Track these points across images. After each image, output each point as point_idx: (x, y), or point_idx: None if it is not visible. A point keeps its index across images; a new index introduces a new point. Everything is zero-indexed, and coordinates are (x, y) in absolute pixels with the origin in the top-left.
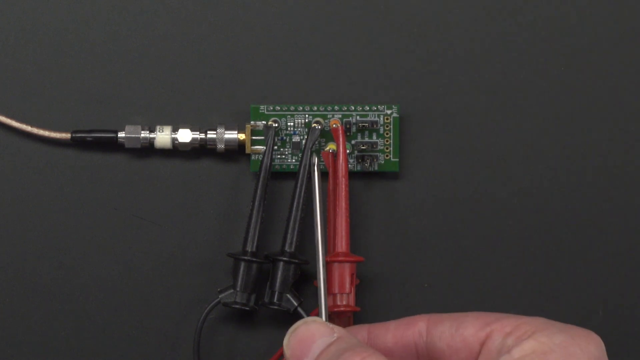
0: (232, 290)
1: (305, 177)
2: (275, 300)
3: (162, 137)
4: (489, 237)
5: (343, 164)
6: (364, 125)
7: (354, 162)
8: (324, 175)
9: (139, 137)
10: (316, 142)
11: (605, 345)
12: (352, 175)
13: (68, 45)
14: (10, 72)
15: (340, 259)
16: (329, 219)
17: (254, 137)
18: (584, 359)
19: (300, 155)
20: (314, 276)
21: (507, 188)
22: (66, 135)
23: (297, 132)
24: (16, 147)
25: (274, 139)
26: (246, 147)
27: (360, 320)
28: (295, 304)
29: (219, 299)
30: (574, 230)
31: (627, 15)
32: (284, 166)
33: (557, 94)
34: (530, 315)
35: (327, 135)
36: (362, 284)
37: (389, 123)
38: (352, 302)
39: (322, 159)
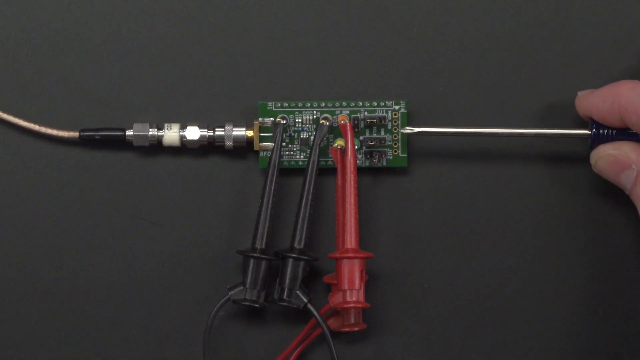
0: (241, 287)
1: (314, 173)
2: (284, 296)
3: (170, 134)
4: (496, 232)
5: (351, 160)
6: (372, 121)
7: (362, 158)
8: (332, 171)
9: (147, 135)
10: (324, 139)
11: (606, 345)
12: (360, 171)
13: (76, 44)
14: (17, 72)
15: (349, 255)
16: (338, 216)
17: (262, 134)
18: None
19: (308, 151)
20: (324, 272)
21: (515, 184)
22: (74, 134)
23: (305, 128)
24: (24, 146)
25: (282, 136)
26: (254, 144)
27: (369, 317)
28: (305, 300)
29: (228, 296)
30: (574, 230)
31: (627, 15)
32: (293, 163)
33: (562, 91)
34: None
35: (335, 131)
36: (371, 280)
37: (397, 118)
38: (361, 298)
39: (330, 154)
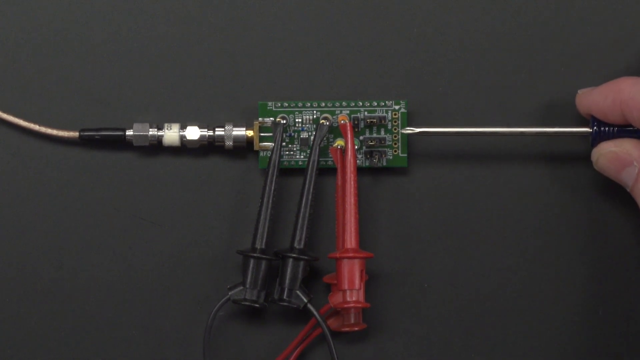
0: (241, 287)
1: (314, 173)
2: (284, 296)
3: (170, 134)
4: (496, 232)
5: (351, 160)
6: (372, 121)
7: (362, 157)
8: (332, 171)
9: (147, 135)
10: (324, 139)
11: (606, 345)
12: (360, 171)
13: (76, 44)
14: (17, 72)
15: (349, 255)
16: (338, 216)
17: (262, 134)
18: None
19: (308, 151)
20: (324, 272)
21: (515, 184)
22: (74, 134)
23: (305, 128)
24: (24, 146)
25: (282, 136)
26: (254, 143)
27: (369, 317)
28: (305, 300)
29: (228, 296)
30: (574, 230)
31: (627, 14)
32: (292, 162)
33: (562, 90)
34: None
35: (335, 131)
36: (371, 280)
37: (397, 118)
38: (361, 298)
39: (330, 154)
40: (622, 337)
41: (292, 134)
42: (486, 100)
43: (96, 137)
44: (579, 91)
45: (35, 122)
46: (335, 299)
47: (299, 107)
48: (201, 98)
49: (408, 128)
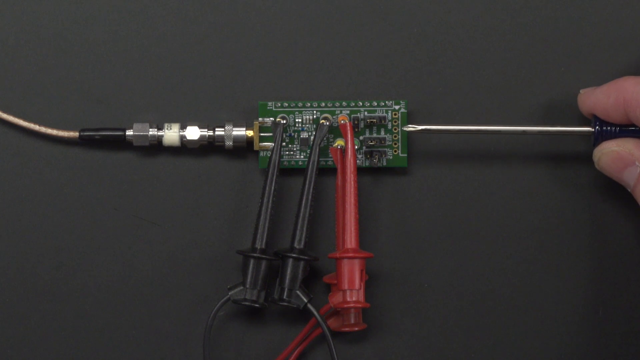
0: (241, 287)
1: (314, 173)
2: (284, 296)
3: (170, 134)
4: (496, 232)
5: (351, 160)
6: (372, 121)
7: (362, 157)
8: (332, 171)
9: (147, 135)
10: (324, 139)
11: (606, 345)
12: (360, 171)
13: (76, 44)
14: (17, 72)
15: (349, 255)
16: (338, 215)
17: (262, 134)
18: None
19: (308, 151)
20: (324, 272)
21: (515, 184)
22: (74, 134)
23: (305, 128)
24: (24, 146)
25: (282, 136)
26: (254, 143)
27: (369, 317)
28: (305, 300)
29: (228, 296)
30: (575, 229)
31: (629, 13)
32: (293, 162)
33: (564, 89)
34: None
35: (335, 131)
36: (371, 280)
37: (397, 118)
38: (361, 298)
39: (330, 154)
40: (622, 337)
41: (292, 134)
42: (487, 100)
43: (96, 137)
44: (581, 90)
45: (35, 122)
46: (335, 299)
47: (299, 107)
48: (201, 98)
49: (410, 125)
